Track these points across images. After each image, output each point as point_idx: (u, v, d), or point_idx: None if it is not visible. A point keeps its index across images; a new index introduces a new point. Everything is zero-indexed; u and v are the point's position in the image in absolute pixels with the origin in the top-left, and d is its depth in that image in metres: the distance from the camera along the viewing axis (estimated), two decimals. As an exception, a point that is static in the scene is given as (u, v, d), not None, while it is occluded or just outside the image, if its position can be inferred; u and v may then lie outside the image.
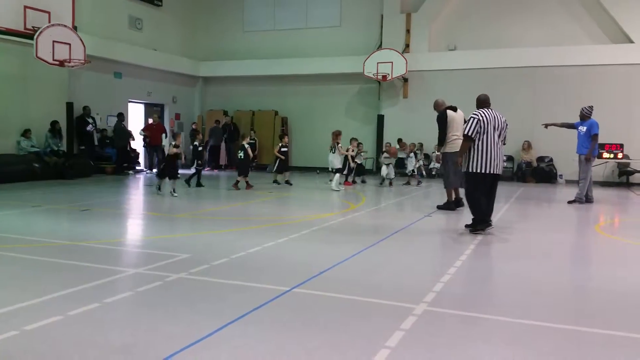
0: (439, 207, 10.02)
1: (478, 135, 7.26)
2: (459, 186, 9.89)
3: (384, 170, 14.31)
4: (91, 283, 4.66)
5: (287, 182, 14.53)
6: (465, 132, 7.30)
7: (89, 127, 16.26)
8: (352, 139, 14.60)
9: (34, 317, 3.77)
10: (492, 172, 7.40)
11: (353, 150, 14.24)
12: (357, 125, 19.61)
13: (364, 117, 19.90)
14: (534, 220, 9.76)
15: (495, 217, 8.78)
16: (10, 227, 7.63)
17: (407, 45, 18.78)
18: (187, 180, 12.95)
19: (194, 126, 20.74)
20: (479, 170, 7.33)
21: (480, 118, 7.25)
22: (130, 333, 3.57)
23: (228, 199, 11.37)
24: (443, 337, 3.62)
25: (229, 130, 20.00)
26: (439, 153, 10.35)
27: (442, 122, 9.82)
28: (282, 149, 14.35)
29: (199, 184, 13.01)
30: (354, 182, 14.97)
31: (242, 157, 12.96)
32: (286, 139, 14.96)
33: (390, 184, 14.41)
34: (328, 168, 13.88)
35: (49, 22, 12.94)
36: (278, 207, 10.67)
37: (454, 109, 9.92)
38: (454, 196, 10.09)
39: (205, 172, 18.90)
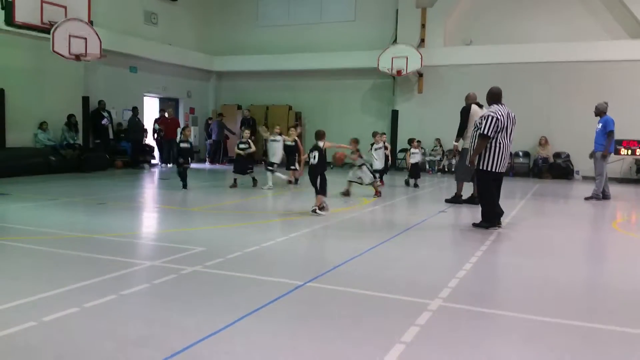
0: (447, 201, 10.00)
1: (495, 134, 7.18)
2: (468, 181, 9.85)
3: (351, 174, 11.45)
4: (107, 275, 4.70)
5: (290, 182, 13.05)
6: (484, 131, 7.18)
7: (104, 121, 16.39)
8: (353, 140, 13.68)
9: (52, 308, 3.82)
10: (503, 170, 7.38)
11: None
12: (372, 121, 19.54)
13: (378, 112, 19.83)
14: (550, 216, 9.66)
15: (510, 214, 8.73)
16: (27, 219, 7.73)
17: (422, 40, 18.65)
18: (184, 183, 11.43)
19: (209, 121, 20.86)
20: (493, 169, 7.27)
21: (498, 117, 7.16)
22: (145, 325, 3.60)
23: (242, 193, 11.39)
24: (459, 333, 3.60)
25: (249, 124, 19.94)
26: (456, 144, 10.28)
27: (464, 115, 9.79)
28: (286, 144, 12.71)
29: (184, 186, 11.38)
30: (408, 183, 13.46)
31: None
32: (247, 133, 12.66)
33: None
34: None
35: (66, 16, 13.02)
36: (290, 202, 10.68)
37: (481, 106, 9.85)
38: (469, 193, 10.04)
39: (207, 166, 18.94)
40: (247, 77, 21.66)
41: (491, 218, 7.42)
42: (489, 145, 7.22)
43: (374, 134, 13.35)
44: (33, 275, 4.83)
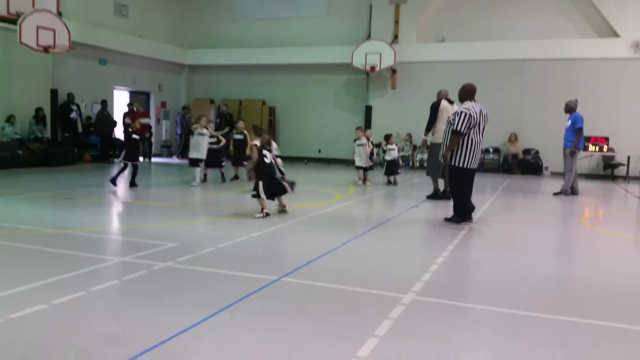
0: (429, 197, 10.07)
1: (467, 130, 7.26)
2: (438, 176, 9.98)
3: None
4: (77, 271, 4.60)
5: (234, 178, 12.36)
6: (456, 128, 7.24)
7: (73, 115, 16.04)
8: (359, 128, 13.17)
9: (19, 305, 3.72)
10: (474, 166, 7.48)
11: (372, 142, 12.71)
12: (346, 116, 19.58)
13: (352, 107, 19.86)
14: (519, 211, 9.83)
15: (481, 209, 8.85)
16: (-7, 214, 7.52)
17: (396, 37, 18.73)
18: (114, 179, 10.50)
19: (181, 113, 20.54)
20: (465, 165, 7.36)
21: (471, 114, 7.23)
22: (116, 322, 3.54)
23: (215, 188, 11.29)
24: (431, 326, 3.64)
25: (226, 119, 19.70)
26: (425, 137, 10.42)
27: (434, 110, 9.90)
28: (236, 137, 12.06)
29: (132, 183, 10.62)
30: (389, 181, 12.74)
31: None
32: (242, 124, 12.28)
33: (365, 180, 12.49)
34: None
35: (33, 7, 12.70)
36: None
37: (451, 102, 9.95)
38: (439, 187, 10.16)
39: (176, 161, 18.69)
40: (220, 71, 21.45)
41: (463, 213, 7.52)
42: (461, 142, 7.30)
43: (357, 129, 12.96)
44: (0, 271, 4.71)
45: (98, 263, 4.97)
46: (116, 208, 8.85)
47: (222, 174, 12.09)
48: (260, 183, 7.58)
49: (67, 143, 15.89)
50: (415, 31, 18.70)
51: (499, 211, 9.27)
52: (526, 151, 17.41)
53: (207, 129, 11.64)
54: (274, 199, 7.79)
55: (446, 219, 7.63)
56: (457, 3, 18.33)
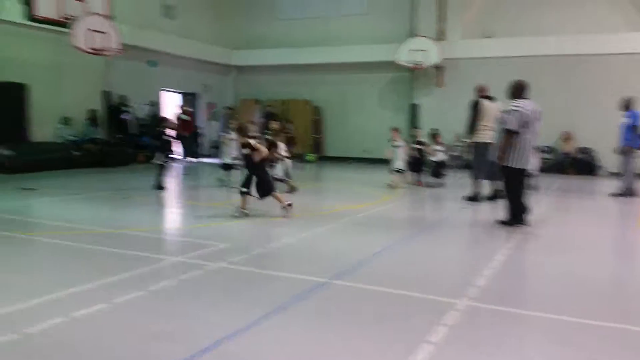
0: (465, 199, 9.80)
1: (520, 129, 7.05)
2: (484, 179, 9.69)
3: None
4: (135, 271, 4.74)
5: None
6: (509, 126, 7.04)
7: (126, 116, 16.51)
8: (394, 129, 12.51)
9: (82, 303, 3.85)
10: (528, 166, 7.26)
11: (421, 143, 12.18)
12: (390, 115, 19.41)
13: (396, 106, 19.67)
14: (575, 213, 9.51)
15: (535, 210, 8.58)
16: (54, 214, 7.83)
17: (442, 33, 18.45)
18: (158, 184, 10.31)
19: (225, 114, 20.85)
20: (518, 166, 7.15)
21: (524, 111, 7.02)
22: (173, 321, 3.62)
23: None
24: (487, 333, 3.56)
25: (272, 118, 19.86)
26: (466, 140, 10.11)
27: (473, 110, 9.61)
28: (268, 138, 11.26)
29: (159, 186, 10.27)
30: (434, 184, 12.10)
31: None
32: (274, 125, 12.09)
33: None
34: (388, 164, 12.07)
35: (85, 11, 13.12)
36: (310, 198, 10.64)
37: (491, 99, 9.70)
38: (490, 189, 9.89)
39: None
40: (265, 71, 21.64)
41: (517, 215, 7.31)
42: (514, 141, 7.10)
43: (392, 130, 12.30)
44: (62, 270, 4.89)
45: (155, 263, 5.10)
46: (169, 208, 9.05)
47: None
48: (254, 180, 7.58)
49: (121, 144, 16.35)
50: (461, 27, 18.37)
51: (554, 213, 9.01)
52: (581, 150, 16.83)
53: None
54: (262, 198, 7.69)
55: (499, 222, 7.44)
56: (505, -2, 17.90)
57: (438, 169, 12.05)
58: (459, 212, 8.62)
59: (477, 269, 5.09)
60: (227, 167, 11.07)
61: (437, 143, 12.21)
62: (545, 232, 7.18)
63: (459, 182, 13.26)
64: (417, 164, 12.08)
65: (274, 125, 12.08)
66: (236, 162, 10.78)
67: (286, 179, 10.32)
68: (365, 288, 4.43)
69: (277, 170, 10.24)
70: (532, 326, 3.77)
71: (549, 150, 17.22)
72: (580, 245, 6.57)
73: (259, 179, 7.63)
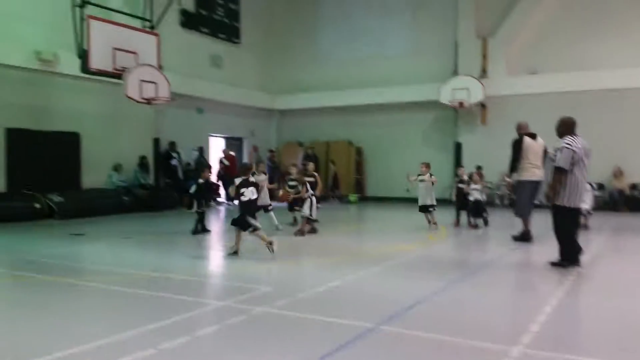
0: (515, 238, 9.52)
1: (571, 166, 6.85)
2: (528, 216, 9.43)
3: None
4: (180, 316, 4.76)
5: (316, 220, 10.72)
6: (560, 164, 6.85)
7: (174, 162, 16.98)
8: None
9: (128, 349, 3.88)
10: (579, 205, 7.02)
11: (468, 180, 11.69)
12: (434, 153, 19.20)
13: (441, 145, 19.53)
14: (631, 253, 9.04)
15: (589, 251, 8.25)
16: (98, 259, 8.02)
17: (484, 71, 18.38)
18: (196, 230, 10.54)
19: (268, 156, 21.22)
20: (573, 205, 6.91)
21: (575, 149, 6.84)
22: (219, 369, 3.59)
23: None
24: (545, 383, 3.37)
25: (312, 161, 20.10)
26: (509, 180, 9.89)
27: (516, 148, 9.48)
28: (306, 179, 10.70)
29: (203, 229, 10.63)
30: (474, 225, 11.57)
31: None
32: (312, 167, 11.13)
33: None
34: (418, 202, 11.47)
35: (136, 62, 13.71)
36: (354, 239, 10.57)
37: (533, 137, 9.52)
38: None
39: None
40: (307, 114, 21.97)
41: (570, 256, 7.02)
42: (564, 179, 6.89)
43: (421, 165, 11.61)
44: (108, 316, 4.96)
45: (200, 307, 5.12)
46: (211, 251, 9.14)
47: (295, 218, 11.70)
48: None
49: (169, 189, 16.76)
50: (505, 64, 18.26)
51: (608, 253, 8.62)
52: (633, 186, 16.19)
53: (265, 173, 11.72)
54: (245, 230, 7.90)
55: (552, 263, 7.15)
56: (548, 33, 17.75)
57: (476, 209, 11.57)
58: (507, 253, 8.35)
59: (529, 313, 4.87)
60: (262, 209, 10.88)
61: (474, 181, 11.69)
62: (599, 274, 6.88)
63: (505, 222, 12.91)
64: (462, 203, 11.78)
65: (311, 167, 12.12)
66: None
67: (311, 217, 10.29)
68: (413, 334, 4.30)
69: (305, 209, 10.27)
70: (593, 376, 3.56)
71: (600, 187, 16.64)
72: (635, 287, 6.22)
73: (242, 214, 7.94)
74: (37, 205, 12.87)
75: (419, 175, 11.43)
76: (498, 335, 4.24)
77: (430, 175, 11.24)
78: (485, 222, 11.68)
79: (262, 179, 11.05)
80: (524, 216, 9.51)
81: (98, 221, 12.69)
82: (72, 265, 7.44)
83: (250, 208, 8.02)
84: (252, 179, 8.33)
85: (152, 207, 15.23)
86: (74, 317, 4.95)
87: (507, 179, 9.79)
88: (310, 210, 10.20)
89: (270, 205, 11.17)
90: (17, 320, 4.83)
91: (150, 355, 3.80)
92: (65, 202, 13.19)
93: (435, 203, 11.25)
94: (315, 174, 11.66)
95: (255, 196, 8.07)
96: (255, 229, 7.91)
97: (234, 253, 7.93)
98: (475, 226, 11.51)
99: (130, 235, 10.40)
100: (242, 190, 7.96)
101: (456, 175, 12.24)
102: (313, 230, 10.45)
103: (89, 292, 5.94)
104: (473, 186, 11.65)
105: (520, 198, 9.61)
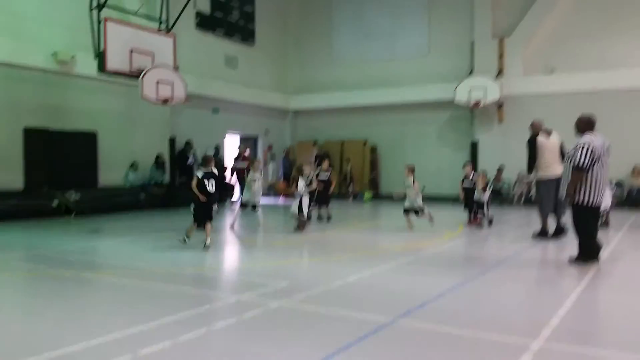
0: (534, 236, 9.47)
1: (591, 165, 6.76)
2: (548, 214, 9.34)
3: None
4: (198, 309, 4.78)
5: (329, 217, 12.23)
6: (579, 163, 6.77)
7: (190, 160, 17.08)
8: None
9: (148, 341, 3.90)
10: (600, 203, 6.92)
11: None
12: (449, 153, 19.18)
13: (456, 144, 19.42)
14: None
15: (608, 248, 8.15)
16: (116, 254, 8.07)
17: (501, 70, 18.23)
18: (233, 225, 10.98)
19: (283, 155, 21.28)
20: (590, 203, 6.83)
21: (594, 147, 6.74)
22: (237, 360, 3.59)
23: (320, 227, 11.39)
24: (566, 376, 3.33)
25: (320, 160, 20.20)
26: (530, 179, 9.79)
27: (531, 147, 9.41)
28: (321, 178, 11.84)
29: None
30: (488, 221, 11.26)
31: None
32: (326, 164, 12.41)
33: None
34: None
35: (153, 63, 13.81)
36: (370, 236, 10.53)
37: (548, 134, 9.43)
38: (555, 224, 9.53)
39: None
40: (322, 113, 21.99)
41: (589, 253, 6.94)
42: (584, 178, 6.80)
43: (406, 167, 11.23)
44: (128, 308, 4.99)
45: (216, 301, 5.14)
46: (228, 247, 9.16)
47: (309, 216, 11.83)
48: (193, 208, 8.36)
49: (184, 187, 16.84)
50: (522, 63, 18.11)
51: (627, 250, 8.49)
52: (653, 184, 15.95)
53: (261, 172, 11.66)
54: (202, 226, 8.31)
55: (571, 260, 7.08)
56: (565, 32, 17.57)
57: (478, 208, 11.21)
58: (525, 250, 8.27)
59: (549, 308, 4.82)
60: (243, 205, 11.21)
61: (476, 182, 11.28)
62: (618, 270, 6.80)
63: (522, 220, 12.79)
64: (467, 202, 11.45)
65: (325, 164, 12.18)
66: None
67: (300, 215, 10.35)
68: (432, 329, 4.26)
69: (294, 205, 10.45)
70: (615, 370, 3.51)
71: (619, 185, 16.43)
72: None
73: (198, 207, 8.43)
74: (55, 203, 13.02)
75: (406, 180, 11.07)
76: (518, 329, 4.20)
77: (413, 181, 10.83)
78: (490, 222, 11.25)
79: (257, 177, 11.10)
80: (544, 214, 9.44)
81: (114, 218, 12.81)
82: (89, 260, 7.51)
83: (208, 201, 8.34)
84: (214, 170, 8.63)
85: (167, 205, 15.34)
86: (92, 310, 4.99)
87: (530, 179, 9.68)
88: (300, 207, 10.29)
89: (258, 203, 11.10)
90: (36, 312, 4.89)
91: (168, 347, 3.81)
92: (82, 200, 13.33)
93: (422, 207, 10.84)
94: (328, 171, 11.79)
95: (213, 189, 8.41)
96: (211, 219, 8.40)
97: (205, 247, 8.16)
98: (479, 224, 11.22)
99: (146, 231, 10.48)
100: (204, 182, 8.31)
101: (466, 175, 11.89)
102: (301, 227, 10.41)
103: (106, 286, 5.99)
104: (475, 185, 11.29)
105: (541, 196, 9.53)
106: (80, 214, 12.91)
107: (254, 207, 11.07)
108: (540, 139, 9.36)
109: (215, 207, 8.82)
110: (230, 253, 8.72)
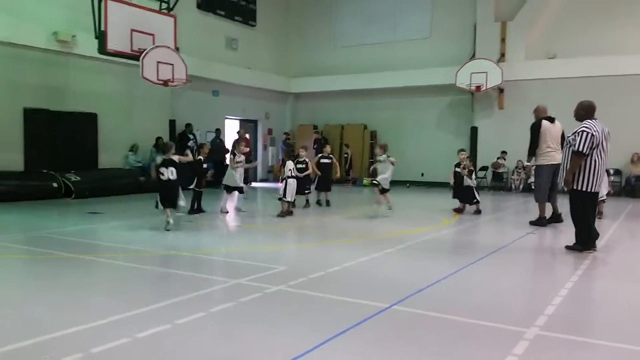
0: (532, 223, 9.50)
1: (590, 151, 6.76)
2: (546, 201, 9.37)
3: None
4: (195, 292, 4.81)
5: (328, 202, 12.33)
6: (578, 149, 6.75)
7: (190, 143, 17.05)
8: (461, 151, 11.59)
9: (146, 324, 3.93)
10: (598, 190, 6.94)
11: (465, 167, 11.02)
12: (449, 138, 19.15)
13: (456, 129, 19.39)
14: (648, 239, 8.97)
15: (605, 236, 8.18)
16: (116, 237, 8.11)
17: (503, 55, 18.12)
18: (191, 209, 10.66)
19: (283, 139, 21.23)
20: (590, 189, 6.84)
21: (594, 133, 6.74)
22: (234, 344, 3.62)
23: (318, 212, 11.42)
24: (559, 364, 3.36)
25: (319, 145, 20.21)
26: (529, 164, 9.78)
27: (534, 132, 9.38)
28: (322, 161, 12.18)
29: (199, 209, 10.77)
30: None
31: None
32: (328, 149, 12.59)
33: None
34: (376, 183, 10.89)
35: (154, 44, 13.70)
36: (369, 222, 10.56)
37: (552, 120, 9.42)
38: (551, 212, 9.55)
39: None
40: (322, 97, 21.91)
41: (586, 240, 6.97)
42: (583, 164, 6.81)
43: (379, 145, 11.50)
44: (125, 291, 5.03)
45: (215, 285, 5.17)
46: (227, 231, 9.21)
47: (307, 200, 11.87)
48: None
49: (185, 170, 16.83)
50: (524, 48, 18.00)
51: (624, 238, 8.54)
52: (652, 172, 15.96)
53: (244, 154, 11.50)
54: (163, 207, 8.52)
55: (567, 247, 7.11)
56: (569, 17, 17.43)
57: (467, 195, 11.08)
58: (522, 237, 8.30)
59: (545, 296, 4.86)
60: (226, 189, 11.12)
61: (463, 167, 11.06)
62: (614, 259, 6.83)
63: (520, 207, 12.81)
64: (457, 189, 11.21)
65: (327, 149, 12.20)
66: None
67: (285, 199, 10.33)
68: (428, 315, 4.30)
69: (281, 189, 10.47)
70: (602, 356, 3.54)
71: (617, 173, 16.44)
72: (657, 273, 6.16)
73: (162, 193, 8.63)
74: (54, 185, 13.04)
75: (378, 156, 11.20)
76: (513, 317, 4.23)
77: (388, 156, 10.70)
78: (478, 211, 11.05)
79: (240, 160, 11.05)
80: (541, 201, 9.46)
81: (114, 200, 12.83)
82: (89, 243, 7.54)
83: (168, 188, 8.43)
84: (175, 158, 8.62)
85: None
86: (92, 292, 5.02)
87: (527, 164, 9.64)
88: (285, 192, 10.27)
89: (243, 187, 11.14)
90: (35, 294, 4.93)
91: (166, 330, 3.85)
92: (82, 182, 13.33)
93: (386, 188, 10.67)
94: (330, 157, 11.80)
95: (174, 177, 8.44)
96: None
97: (168, 225, 8.41)
98: (460, 211, 11.10)
99: (145, 214, 10.50)
100: (162, 169, 8.39)
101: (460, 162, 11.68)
102: (289, 213, 10.43)
103: (106, 268, 6.03)
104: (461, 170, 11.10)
105: (538, 183, 9.55)
106: (79, 196, 12.92)
107: (241, 190, 11.06)
108: (545, 123, 9.34)
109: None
110: (228, 237, 8.76)
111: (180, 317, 4.10)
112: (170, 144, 9.08)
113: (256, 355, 3.43)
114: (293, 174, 10.48)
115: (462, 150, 11.62)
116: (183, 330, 3.86)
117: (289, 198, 10.32)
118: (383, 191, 10.70)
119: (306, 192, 11.54)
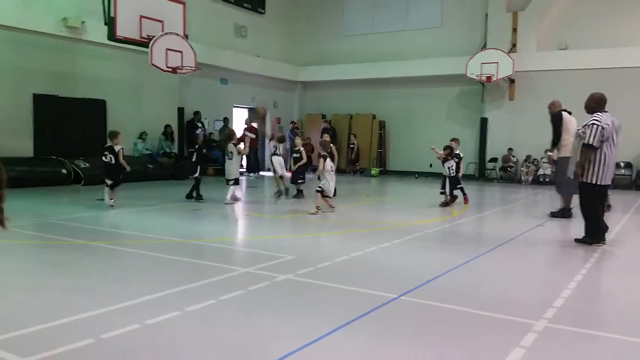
0: (553, 215, 9.45)
1: (600, 143, 6.70)
2: (570, 195, 9.30)
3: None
4: (205, 280, 4.83)
5: (287, 191, 11.84)
6: (588, 141, 6.70)
7: (199, 131, 17.06)
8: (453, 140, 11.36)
9: (155, 311, 3.95)
10: (608, 182, 6.89)
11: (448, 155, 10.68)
12: (459, 129, 18.97)
13: (466, 120, 19.28)
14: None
15: (614, 229, 8.14)
16: (126, 224, 8.16)
17: (514, 45, 17.96)
18: (190, 195, 10.89)
19: (290, 128, 21.21)
20: (599, 182, 6.79)
21: (604, 125, 6.67)
22: (243, 332, 3.64)
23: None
24: (568, 356, 3.35)
25: (329, 134, 20.16)
26: (551, 154, 9.70)
27: (558, 123, 9.27)
28: (294, 155, 11.82)
29: (198, 196, 10.80)
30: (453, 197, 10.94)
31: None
32: (299, 141, 12.07)
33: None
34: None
35: (162, 31, 13.66)
36: (377, 212, 10.56)
37: (569, 113, 9.36)
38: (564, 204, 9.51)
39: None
40: (331, 86, 21.83)
41: (595, 233, 6.93)
42: (593, 156, 6.76)
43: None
44: (136, 278, 5.06)
45: (224, 273, 5.19)
46: (236, 220, 9.23)
47: (300, 190, 11.61)
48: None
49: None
50: (535, 39, 17.83)
51: (633, 232, 8.48)
52: (663, 166, 15.82)
53: (235, 144, 10.88)
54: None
55: (577, 240, 7.08)
56: (580, 9, 17.24)
57: (452, 184, 10.74)
58: (533, 229, 8.27)
59: (554, 288, 4.84)
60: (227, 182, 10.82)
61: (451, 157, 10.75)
62: (624, 252, 6.80)
63: (530, 199, 12.75)
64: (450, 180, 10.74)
65: (298, 141, 11.96)
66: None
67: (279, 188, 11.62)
68: (436, 305, 4.30)
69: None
70: (615, 349, 3.52)
71: (628, 166, 16.32)
72: (668, 267, 6.12)
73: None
74: (63, 171, 13.11)
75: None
76: (522, 309, 4.22)
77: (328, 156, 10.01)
78: (452, 200, 10.83)
79: (231, 149, 10.79)
80: (568, 194, 9.36)
81: (123, 188, 12.81)
82: (98, 229, 7.58)
83: (108, 169, 9.58)
84: (117, 147, 9.54)
85: (176, 175, 15.40)
86: (102, 278, 5.05)
87: (550, 154, 9.60)
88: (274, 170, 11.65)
89: (237, 179, 10.75)
90: (46, 280, 4.96)
91: (175, 317, 3.87)
92: (90, 168, 13.39)
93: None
94: (332, 145, 11.68)
95: (112, 161, 9.51)
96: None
97: (111, 206, 9.46)
98: (446, 204, 10.76)
99: (155, 202, 10.55)
100: (105, 153, 9.56)
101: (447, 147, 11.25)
102: (276, 194, 11.64)
103: (115, 255, 6.07)
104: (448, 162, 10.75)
105: (560, 175, 9.44)
106: (88, 183, 12.98)
107: (237, 181, 10.74)
108: (566, 114, 9.28)
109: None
110: (237, 226, 8.78)
111: (190, 304, 4.12)
112: (115, 132, 9.87)
113: (265, 343, 3.45)
114: (276, 152, 11.87)
115: (455, 139, 11.27)
116: (192, 318, 3.88)
117: (279, 172, 11.61)
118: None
119: (299, 181, 11.49)
